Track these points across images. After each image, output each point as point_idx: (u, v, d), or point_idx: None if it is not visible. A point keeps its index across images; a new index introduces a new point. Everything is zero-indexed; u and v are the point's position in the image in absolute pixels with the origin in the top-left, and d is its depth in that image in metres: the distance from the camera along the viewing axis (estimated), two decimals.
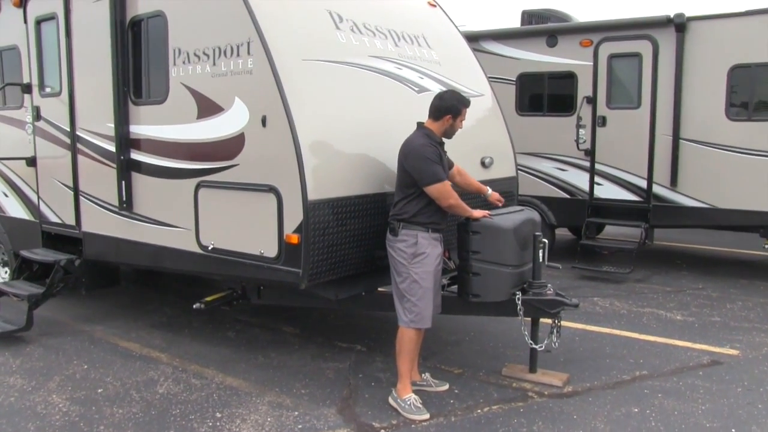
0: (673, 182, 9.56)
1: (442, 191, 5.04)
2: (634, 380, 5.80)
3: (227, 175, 5.55)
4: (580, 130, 10.23)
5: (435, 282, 5.21)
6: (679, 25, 9.35)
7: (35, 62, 7.54)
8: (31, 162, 7.73)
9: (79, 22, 6.93)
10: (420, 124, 5.28)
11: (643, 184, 9.81)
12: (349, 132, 5.44)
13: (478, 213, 5.36)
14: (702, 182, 9.41)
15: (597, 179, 10.18)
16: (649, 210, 9.80)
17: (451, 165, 5.58)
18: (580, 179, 10.35)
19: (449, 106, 5.20)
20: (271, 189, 5.19)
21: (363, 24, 6.19)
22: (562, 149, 10.44)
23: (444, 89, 6.49)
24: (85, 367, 6.21)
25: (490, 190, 5.92)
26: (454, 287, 5.77)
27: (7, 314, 7.42)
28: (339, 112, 5.45)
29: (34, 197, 7.80)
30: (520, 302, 5.44)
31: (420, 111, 5.43)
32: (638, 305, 8.21)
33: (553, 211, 10.52)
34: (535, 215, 5.81)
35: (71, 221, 7.27)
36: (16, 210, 8.18)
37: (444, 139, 5.32)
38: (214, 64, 5.55)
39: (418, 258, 5.08)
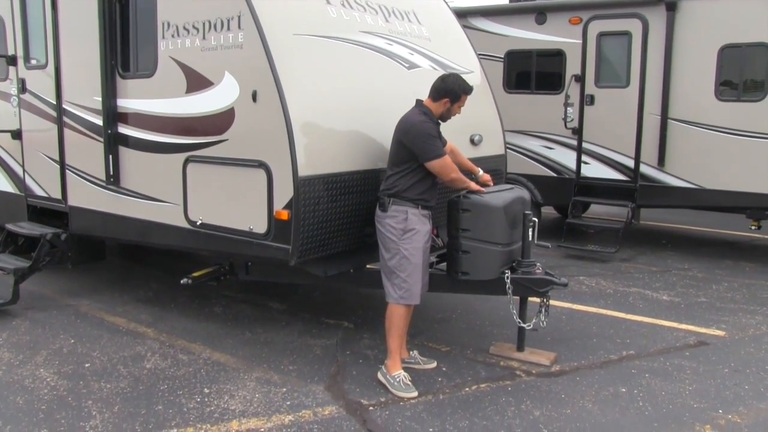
0: (661, 162, 9.57)
1: (444, 166, 5.08)
2: (621, 360, 5.83)
3: (216, 150, 5.51)
4: (568, 108, 10.22)
5: (424, 259, 5.22)
6: (670, 4, 9.32)
7: (20, 34, 7.43)
8: (17, 135, 7.64)
9: None
10: (419, 102, 5.27)
11: (631, 163, 9.81)
12: (340, 108, 5.41)
13: (476, 186, 5.40)
14: (689, 162, 9.42)
15: (584, 158, 10.18)
16: (636, 190, 9.81)
17: (444, 143, 5.56)
18: (567, 158, 10.34)
19: (449, 90, 5.19)
20: (261, 164, 5.16)
21: None
22: (549, 127, 10.42)
23: (433, 65, 6.50)
24: (72, 341, 6.19)
25: (481, 171, 5.89)
26: (443, 265, 5.77)
27: None
28: (330, 87, 5.42)
29: (19, 170, 7.73)
30: (509, 281, 5.44)
31: (410, 87, 5.43)
32: (624, 285, 8.25)
33: (540, 190, 10.51)
34: (525, 193, 5.80)
35: (57, 195, 7.21)
36: (1, 183, 8.09)
37: (441, 122, 5.33)
38: (204, 38, 5.49)
39: (408, 234, 5.09)
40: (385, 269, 5.23)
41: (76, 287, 7.88)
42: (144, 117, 6.16)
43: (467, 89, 5.29)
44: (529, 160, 10.62)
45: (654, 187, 9.70)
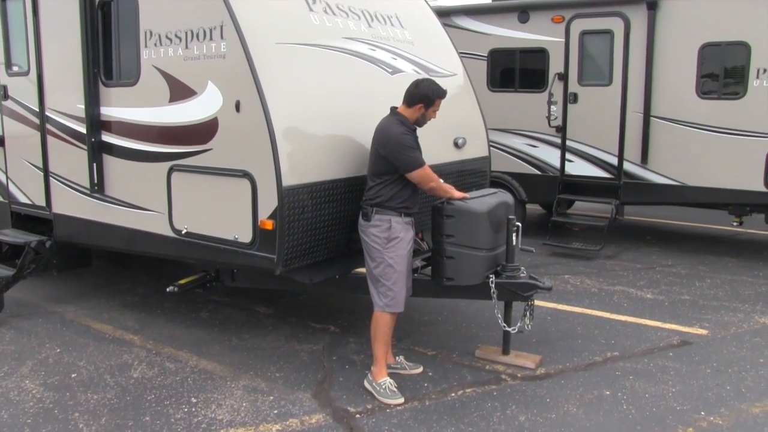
0: (644, 159, 9.65)
1: (424, 176, 5.11)
2: (605, 361, 5.89)
3: (200, 159, 5.51)
4: (552, 106, 10.27)
5: (408, 265, 5.26)
6: (651, 3, 9.38)
7: (1, 41, 7.39)
8: None
9: (47, 0, 6.78)
10: (393, 109, 5.28)
11: (614, 161, 9.88)
12: (324, 116, 5.42)
13: (458, 194, 5.41)
14: (672, 160, 9.50)
15: (568, 156, 10.24)
16: (619, 187, 9.88)
17: None
18: (551, 156, 10.40)
19: (422, 95, 5.19)
20: (246, 174, 5.16)
21: (336, 5, 6.14)
22: (533, 125, 10.47)
23: (416, 69, 6.51)
24: (58, 350, 6.18)
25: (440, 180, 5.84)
26: (428, 270, 5.80)
27: None
28: (313, 96, 5.42)
29: (2, 177, 7.69)
30: (493, 285, 5.48)
31: (394, 92, 5.43)
32: (609, 283, 8.31)
33: (524, 188, 10.59)
34: (509, 198, 5.83)
35: (41, 202, 7.18)
36: None
37: (417, 127, 5.33)
38: (187, 47, 5.48)
39: (392, 242, 5.13)
40: (370, 277, 5.26)
41: (62, 293, 7.86)
42: (127, 125, 6.15)
43: (441, 93, 5.29)
44: (513, 158, 10.67)
45: (637, 185, 9.77)
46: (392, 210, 5.12)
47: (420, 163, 5.07)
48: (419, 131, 5.33)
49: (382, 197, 5.11)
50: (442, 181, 5.38)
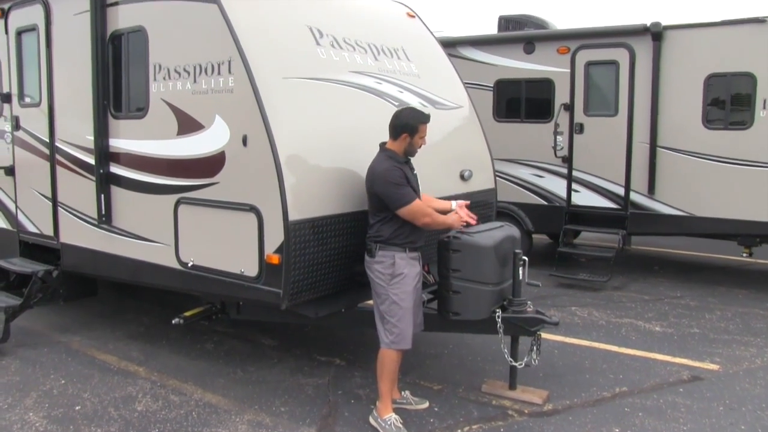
0: (651, 190, 9.65)
1: (414, 212, 5.03)
2: (614, 397, 5.84)
3: (207, 192, 5.53)
4: (558, 136, 10.29)
5: (415, 301, 5.22)
6: (656, 33, 9.43)
7: (15, 72, 7.48)
8: (10, 171, 7.66)
9: (60, 34, 6.88)
10: (382, 145, 5.26)
11: (621, 191, 9.89)
12: (330, 151, 5.44)
13: (455, 221, 5.36)
14: (679, 190, 9.50)
15: (574, 186, 10.26)
16: (626, 217, 9.88)
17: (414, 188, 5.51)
18: (557, 186, 10.42)
19: (404, 125, 5.14)
20: (252, 208, 5.18)
21: (343, 39, 6.18)
22: (539, 156, 10.50)
23: (422, 102, 6.54)
24: (63, 381, 6.17)
25: (454, 203, 5.72)
26: (434, 303, 5.79)
27: None
28: (320, 130, 5.44)
29: (12, 206, 7.73)
30: (500, 320, 5.46)
31: None
32: (617, 315, 8.27)
33: (531, 218, 10.60)
34: (515, 232, 5.83)
35: (49, 232, 7.21)
36: None
37: (410, 157, 5.30)
38: (195, 81, 5.53)
39: (396, 279, 5.08)
40: (377, 313, 5.21)
41: (67, 321, 7.87)
42: (136, 157, 6.18)
43: (423, 118, 5.21)
44: (519, 188, 10.68)
45: (644, 215, 9.76)
46: (396, 246, 5.09)
47: (407, 200, 4.99)
48: (425, 164, 5.33)
49: (384, 234, 5.09)
50: (437, 214, 5.27)
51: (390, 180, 4.97)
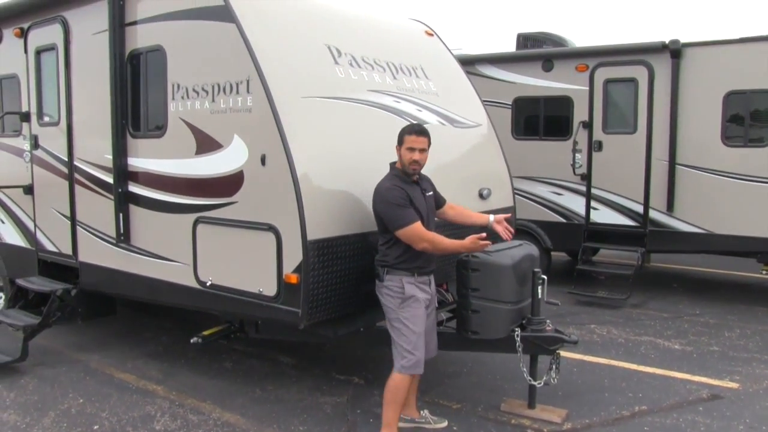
0: (670, 207, 9.61)
1: (411, 235, 4.82)
2: (633, 416, 5.78)
3: (226, 212, 5.54)
4: (577, 154, 10.28)
5: (427, 326, 5.10)
6: (675, 51, 9.42)
7: (34, 91, 7.54)
8: (29, 190, 7.71)
9: (79, 53, 6.93)
10: (391, 164, 5.14)
11: (640, 209, 9.85)
12: (349, 170, 5.43)
13: (470, 243, 4.95)
14: (698, 207, 9.46)
15: (593, 204, 10.23)
16: (645, 235, 9.83)
17: (442, 202, 5.48)
18: (576, 203, 10.39)
19: (398, 136, 5.05)
20: (271, 228, 5.18)
21: (361, 57, 6.20)
22: (558, 173, 10.49)
23: (441, 120, 6.55)
24: (81, 401, 6.17)
25: (491, 217, 5.59)
26: (453, 322, 5.75)
27: (1, 343, 7.38)
28: (338, 150, 5.45)
29: (30, 225, 7.78)
30: (519, 339, 5.43)
31: None
32: (636, 333, 8.21)
33: (550, 236, 10.57)
34: (534, 250, 5.80)
35: (68, 251, 7.24)
36: (13, 237, 8.15)
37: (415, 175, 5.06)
38: (213, 100, 5.55)
39: (406, 302, 4.93)
40: (390, 338, 5.10)
41: (86, 340, 7.88)
42: (154, 176, 6.21)
43: (409, 129, 5.03)
44: (538, 206, 10.65)
45: (663, 233, 9.71)
46: (403, 270, 4.95)
47: (405, 221, 4.80)
48: (444, 182, 5.30)
49: (390, 257, 4.96)
50: (442, 238, 4.98)
51: (388, 199, 4.84)
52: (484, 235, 5.01)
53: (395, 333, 4.98)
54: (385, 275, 4.98)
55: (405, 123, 6.06)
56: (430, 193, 5.23)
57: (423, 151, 4.98)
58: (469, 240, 4.93)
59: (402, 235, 4.82)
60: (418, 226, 4.83)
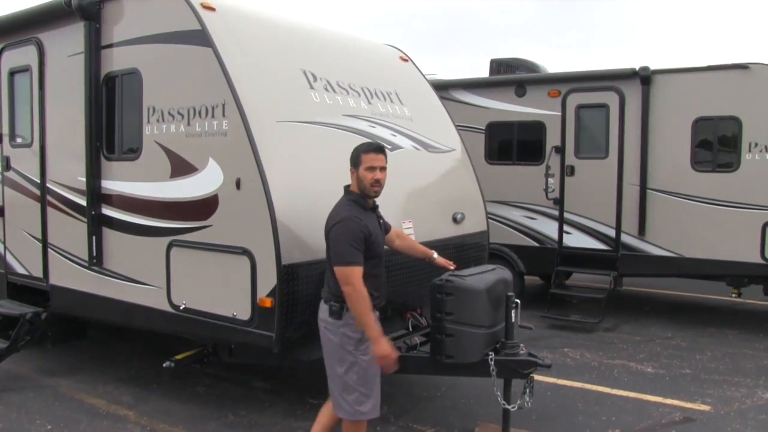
0: (641, 231, 9.71)
1: (349, 277, 4.29)
2: None
3: (200, 235, 5.53)
4: (549, 179, 10.37)
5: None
6: (645, 77, 9.57)
7: (6, 112, 7.50)
8: None
9: (54, 75, 6.92)
10: (346, 188, 4.72)
11: (612, 233, 9.95)
12: (324, 195, 5.37)
13: (377, 336, 4.34)
14: (669, 232, 9.58)
15: (566, 228, 10.32)
16: (617, 259, 9.92)
17: (388, 228, 5.11)
18: (549, 228, 10.47)
19: (351, 159, 4.63)
20: (245, 252, 5.17)
21: (336, 82, 6.24)
22: (531, 198, 10.57)
23: (415, 145, 6.59)
24: (49, 427, 6.06)
25: (435, 254, 5.46)
26: (427, 346, 5.76)
27: None
28: (313, 174, 5.46)
29: (0, 247, 7.69)
30: (493, 363, 5.43)
31: (393, 169, 5.44)
32: (609, 356, 8.26)
33: (523, 259, 10.61)
34: (507, 274, 5.83)
35: (38, 273, 7.17)
36: None
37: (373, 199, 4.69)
38: (189, 124, 5.55)
39: (366, 344, 4.42)
40: (338, 384, 4.54)
41: (54, 365, 7.76)
42: (128, 199, 6.18)
43: (366, 148, 4.61)
44: (511, 230, 10.72)
45: (635, 257, 9.81)
46: None
47: (353, 261, 4.30)
48: (418, 206, 5.31)
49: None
50: (368, 298, 4.33)
51: (347, 232, 4.34)
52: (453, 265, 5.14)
53: (354, 379, 4.46)
54: (345, 312, 4.44)
55: None
56: (382, 220, 4.87)
57: (383, 169, 4.59)
58: (379, 332, 4.37)
59: (341, 271, 4.31)
60: (359, 272, 4.31)
